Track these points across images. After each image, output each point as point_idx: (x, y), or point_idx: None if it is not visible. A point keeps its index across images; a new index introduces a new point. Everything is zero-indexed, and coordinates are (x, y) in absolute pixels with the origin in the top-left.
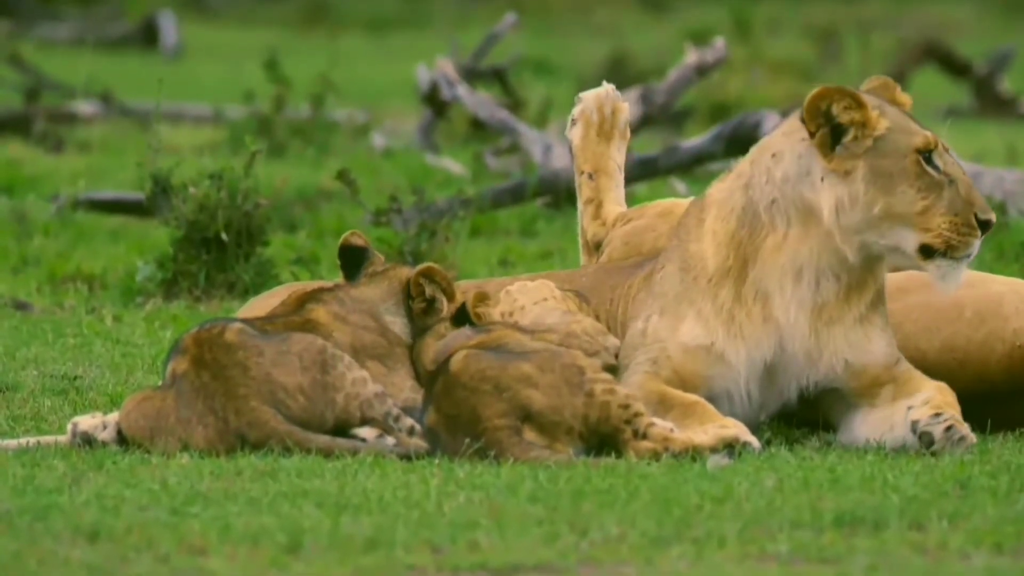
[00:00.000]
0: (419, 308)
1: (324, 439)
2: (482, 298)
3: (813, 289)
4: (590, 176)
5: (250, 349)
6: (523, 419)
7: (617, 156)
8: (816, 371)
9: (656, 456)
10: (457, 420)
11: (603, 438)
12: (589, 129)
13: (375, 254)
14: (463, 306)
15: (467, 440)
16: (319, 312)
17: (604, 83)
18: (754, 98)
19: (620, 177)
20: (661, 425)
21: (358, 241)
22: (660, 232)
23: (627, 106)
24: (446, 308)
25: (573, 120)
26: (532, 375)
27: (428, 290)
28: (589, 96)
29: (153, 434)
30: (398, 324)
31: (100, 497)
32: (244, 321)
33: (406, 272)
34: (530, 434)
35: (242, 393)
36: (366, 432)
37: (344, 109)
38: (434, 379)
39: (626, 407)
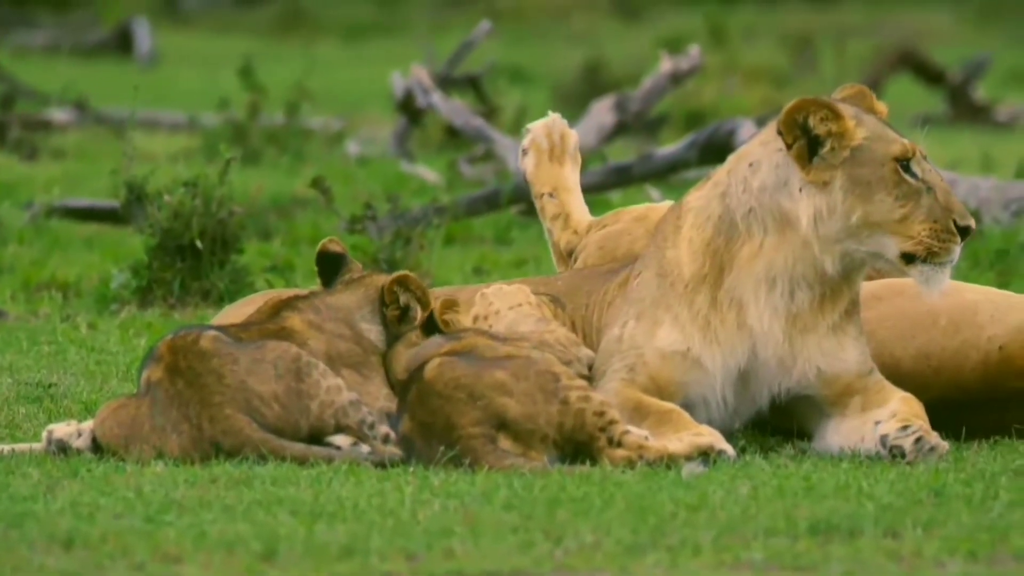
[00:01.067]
0: (393, 315)
1: (299, 447)
2: (450, 305)
3: (787, 298)
4: (550, 195)
5: (225, 357)
6: (498, 427)
7: (572, 176)
8: (789, 378)
9: (631, 464)
10: (432, 428)
11: (578, 446)
12: (541, 156)
13: (352, 261)
14: (431, 314)
15: (442, 448)
16: (294, 320)
17: (550, 112)
18: (729, 106)
19: (580, 193)
20: (636, 433)
21: (336, 248)
22: (635, 236)
23: (575, 133)
24: (420, 316)
25: (524, 150)
26: (507, 383)
27: (402, 298)
28: (537, 126)
29: (128, 442)
30: (374, 332)
31: (75, 505)
32: (219, 328)
33: (382, 280)
34: (505, 442)
35: (217, 401)
36: (341, 440)
37: (319, 117)
38: (408, 387)
39: (601, 414)
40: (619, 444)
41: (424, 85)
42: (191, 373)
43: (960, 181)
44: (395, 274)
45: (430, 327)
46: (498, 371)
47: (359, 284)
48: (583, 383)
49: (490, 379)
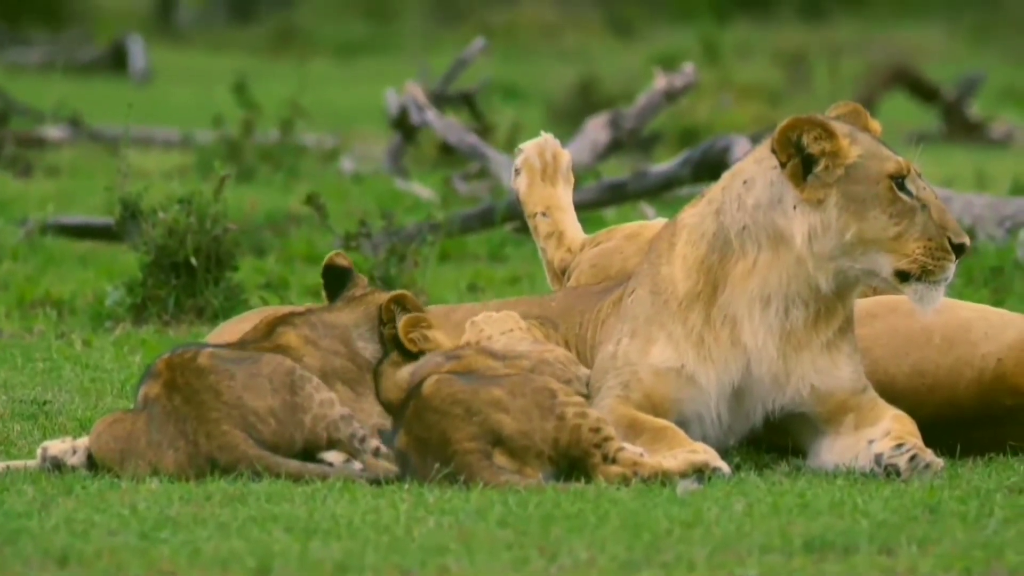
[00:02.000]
0: (390, 334)
1: (294, 464)
2: (415, 323)
3: (782, 315)
4: (543, 215)
5: (222, 373)
6: (493, 443)
7: (565, 196)
8: (783, 395)
9: (625, 481)
10: (427, 443)
11: (573, 461)
12: (534, 176)
13: (358, 276)
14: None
15: (437, 465)
16: (290, 336)
17: (542, 132)
18: (723, 123)
19: (573, 212)
20: (631, 450)
21: (342, 262)
22: (627, 254)
23: (567, 153)
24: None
25: (517, 170)
26: (503, 399)
27: (399, 317)
28: (529, 146)
29: (123, 457)
30: (370, 350)
31: (69, 522)
32: (216, 346)
33: (382, 298)
34: (500, 458)
35: (214, 417)
36: (333, 456)
37: (313, 133)
38: (406, 403)
39: (597, 431)
40: (614, 461)
41: (418, 102)
42: (188, 389)
43: (954, 198)
44: (393, 293)
45: (399, 347)
46: (495, 388)
47: (360, 302)
48: (580, 399)
49: (487, 395)
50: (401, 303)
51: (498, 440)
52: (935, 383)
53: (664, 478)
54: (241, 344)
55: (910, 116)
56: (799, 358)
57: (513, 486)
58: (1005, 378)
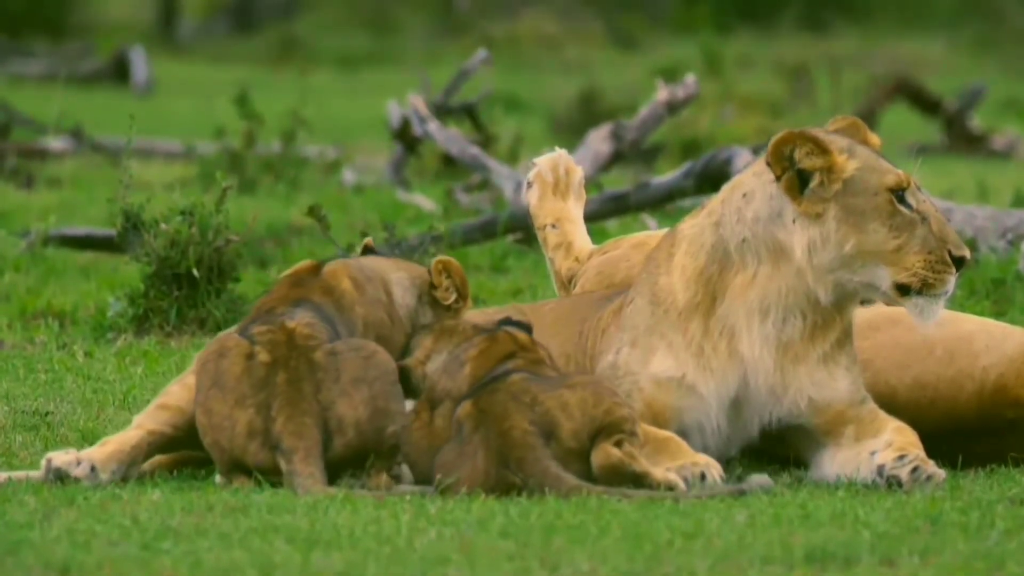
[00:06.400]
0: (444, 297)
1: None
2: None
3: (779, 327)
4: (553, 226)
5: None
6: (547, 437)
7: (575, 210)
8: (780, 407)
9: (621, 464)
10: (487, 414)
11: (594, 438)
12: (546, 189)
13: None
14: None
15: (486, 436)
16: (342, 278)
17: (556, 148)
18: (725, 134)
19: (583, 225)
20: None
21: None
22: (633, 262)
23: (580, 169)
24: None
25: (529, 183)
26: (569, 403)
27: (446, 283)
28: (543, 160)
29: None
30: (407, 306)
31: (71, 532)
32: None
33: (420, 270)
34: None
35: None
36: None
37: (315, 145)
38: (485, 381)
39: (632, 422)
40: (618, 446)
41: (420, 113)
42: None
43: (956, 210)
44: (440, 257)
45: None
46: (564, 390)
47: (398, 260)
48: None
49: (556, 397)
50: (447, 269)
51: (551, 436)
52: (936, 395)
53: (648, 483)
54: (297, 282)
55: (912, 128)
56: (796, 371)
57: (553, 477)
58: (1006, 390)
